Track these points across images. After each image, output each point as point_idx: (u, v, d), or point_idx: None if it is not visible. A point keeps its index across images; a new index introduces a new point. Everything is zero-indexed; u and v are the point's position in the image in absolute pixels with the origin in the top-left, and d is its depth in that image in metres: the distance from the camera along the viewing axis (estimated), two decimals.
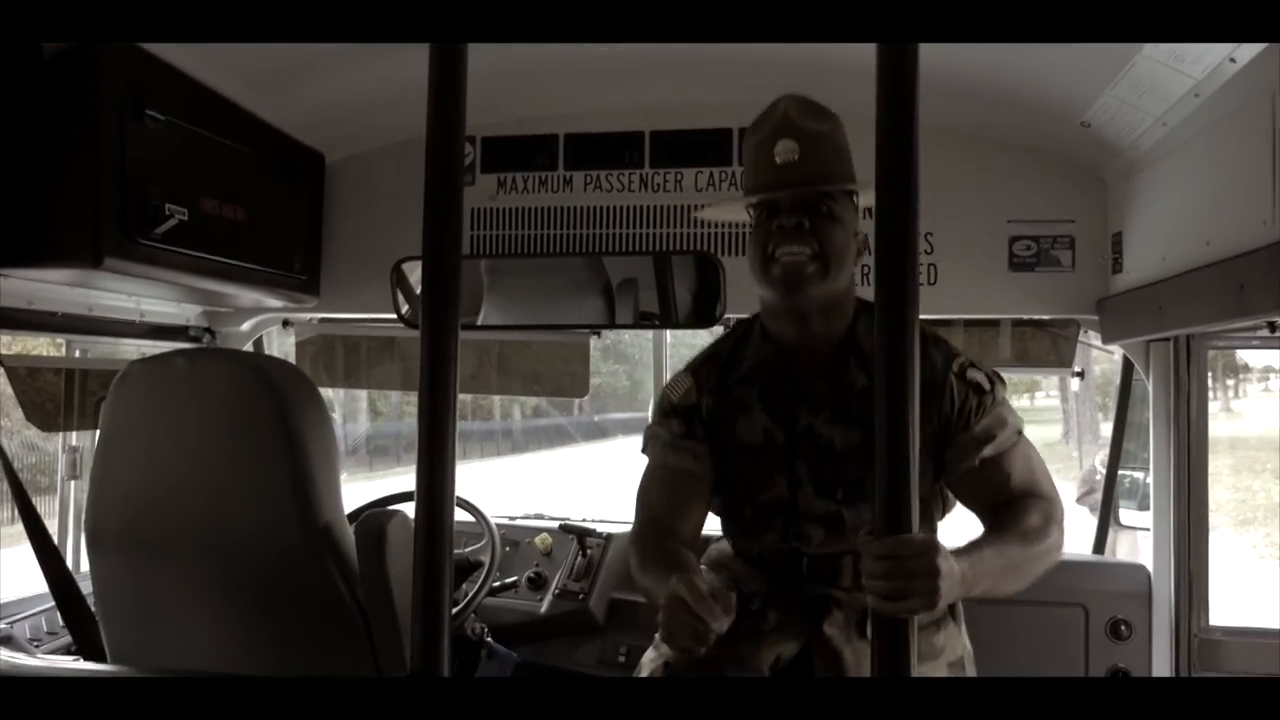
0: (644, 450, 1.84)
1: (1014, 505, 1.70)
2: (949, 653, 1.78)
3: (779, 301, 1.70)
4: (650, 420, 1.86)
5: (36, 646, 2.35)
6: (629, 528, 1.95)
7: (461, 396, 0.93)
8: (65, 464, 2.83)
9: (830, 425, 1.70)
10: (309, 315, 3.15)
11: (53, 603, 2.01)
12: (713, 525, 1.91)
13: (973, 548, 1.53)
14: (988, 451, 1.72)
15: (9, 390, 2.74)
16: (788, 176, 1.65)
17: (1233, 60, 1.79)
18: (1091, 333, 2.86)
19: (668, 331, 3.11)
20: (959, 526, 1.80)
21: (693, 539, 1.77)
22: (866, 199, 1.76)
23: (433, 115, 0.81)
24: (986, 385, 1.75)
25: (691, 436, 1.77)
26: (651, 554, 1.67)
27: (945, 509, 1.83)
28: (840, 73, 2.15)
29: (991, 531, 1.64)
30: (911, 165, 0.73)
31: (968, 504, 1.80)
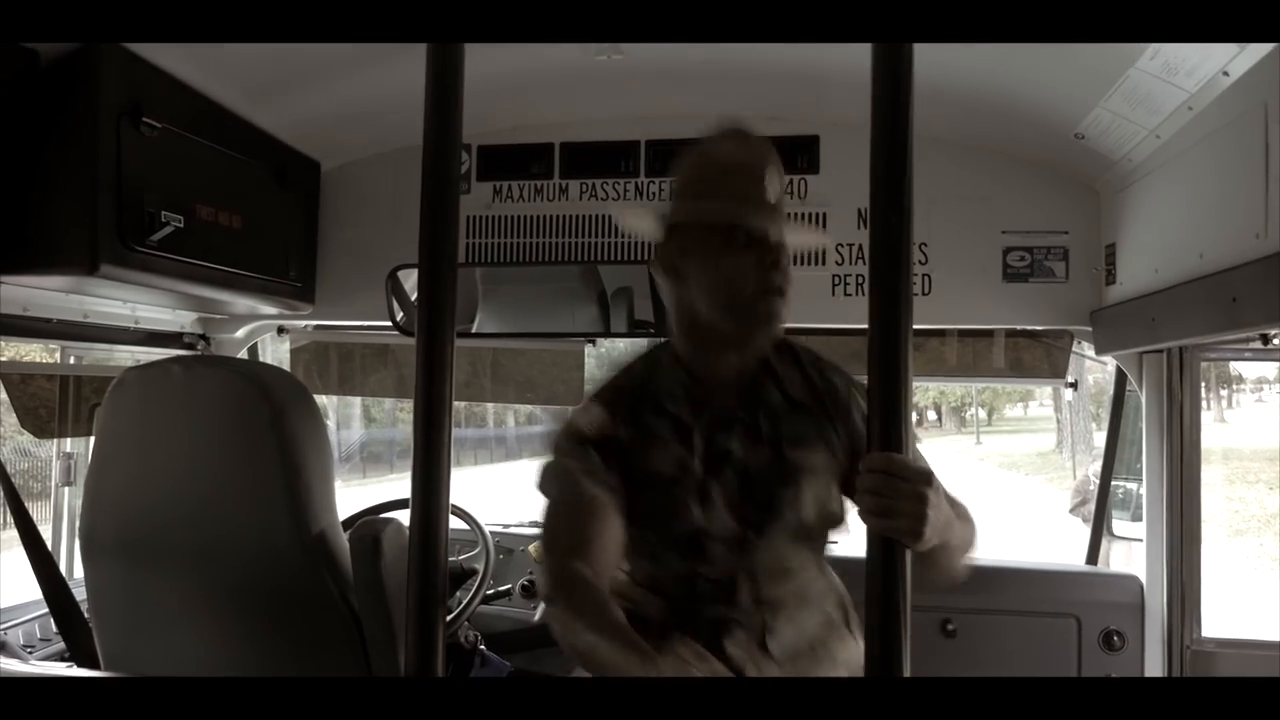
0: (542, 486, 1.71)
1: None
2: (850, 663, 1.77)
3: (736, 332, 1.66)
4: (552, 452, 1.73)
5: (30, 653, 2.35)
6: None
7: (456, 403, 0.92)
8: (59, 470, 2.83)
9: (744, 445, 1.68)
10: (304, 322, 3.15)
11: (47, 609, 2.01)
12: None
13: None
14: None
15: (3, 396, 2.74)
16: (772, 213, 1.62)
17: (1226, 74, 1.80)
18: (1085, 343, 2.87)
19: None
20: None
21: (608, 570, 1.68)
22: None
23: (430, 117, 0.81)
24: None
25: (608, 468, 1.68)
26: (588, 610, 1.53)
27: (842, 525, 1.80)
28: (832, 82, 2.17)
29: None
30: (906, 165, 0.74)
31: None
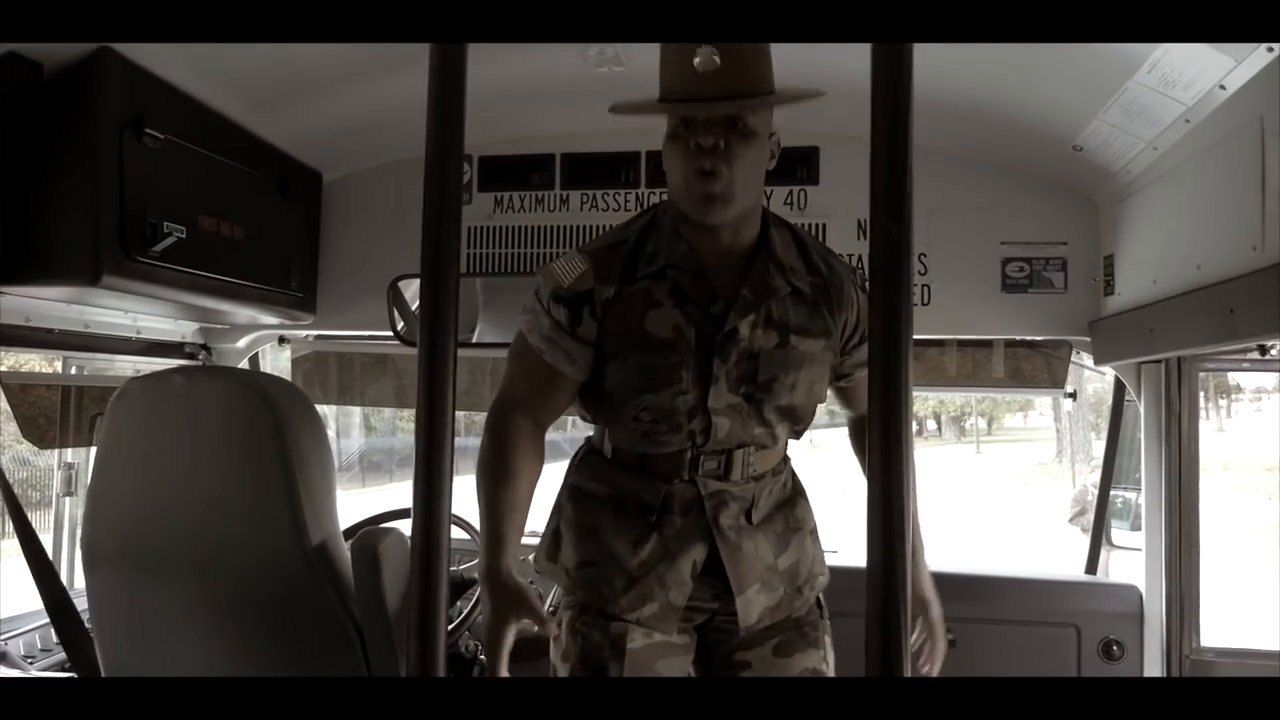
0: (522, 320, 1.78)
1: None
2: (804, 521, 1.89)
3: (693, 218, 1.68)
4: (536, 292, 1.75)
5: (31, 663, 2.35)
6: None
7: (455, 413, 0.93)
8: (61, 480, 2.83)
9: (752, 328, 1.70)
10: (305, 332, 3.16)
11: (47, 619, 2.01)
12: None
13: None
14: None
15: (4, 406, 2.75)
16: (708, 88, 1.58)
17: (1223, 87, 1.81)
18: (1084, 354, 2.88)
19: None
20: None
21: (550, 422, 1.82)
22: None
23: (433, 121, 0.81)
24: None
25: (574, 330, 1.71)
26: (500, 471, 1.73)
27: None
28: (832, 94, 2.17)
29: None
30: (906, 171, 0.74)
31: (849, 403, 1.99)
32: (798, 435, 1.85)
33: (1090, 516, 3.14)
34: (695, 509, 1.77)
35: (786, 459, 1.90)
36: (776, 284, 1.72)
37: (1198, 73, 1.84)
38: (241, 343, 3.09)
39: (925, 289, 2.78)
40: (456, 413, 0.86)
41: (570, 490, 1.88)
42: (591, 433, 1.91)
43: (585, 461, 1.88)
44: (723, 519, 1.77)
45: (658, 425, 1.73)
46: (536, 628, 1.67)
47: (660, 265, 1.71)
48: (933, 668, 1.85)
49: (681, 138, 1.64)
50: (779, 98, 1.65)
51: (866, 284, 1.81)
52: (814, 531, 1.91)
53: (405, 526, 1.90)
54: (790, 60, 1.65)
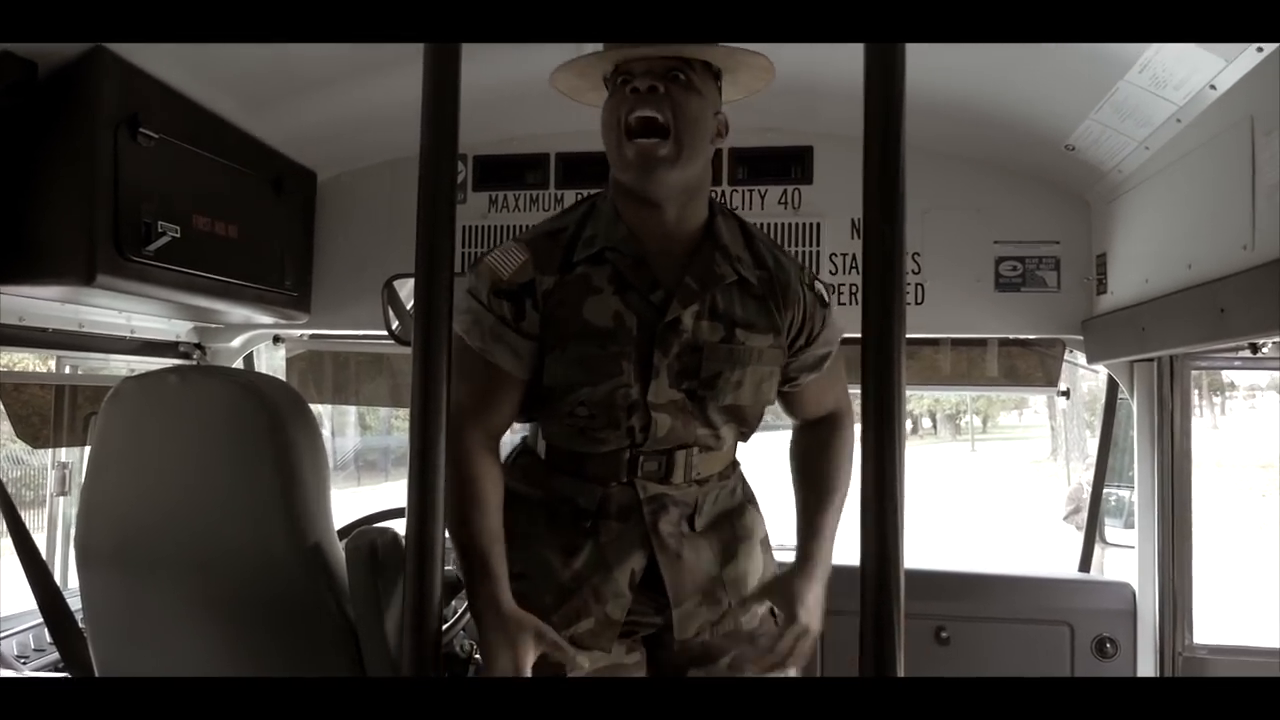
0: (458, 322, 1.62)
1: (822, 438, 1.82)
2: (752, 531, 1.80)
3: (632, 185, 1.61)
4: (471, 291, 1.64)
5: (24, 663, 2.34)
6: None
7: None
8: (54, 480, 2.83)
9: (696, 320, 1.62)
10: (299, 331, 3.16)
11: (41, 619, 2.00)
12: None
13: (814, 539, 1.72)
14: (828, 363, 1.77)
15: None
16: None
17: (1213, 87, 1.82)
18: (1077, 352, 2.89)
19: None
20: None
21: (503, 430, 1.69)
22: (731, 89, 1.67)
23: (427, 121, 0.82)
24: (826, 297, 1.76)
25: (517, 324, 1.62)
26: (469, 497, 1.57)
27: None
28: (826, 94, 2.19)
29: (820, 494, 1.76)
30: (899, 173, 0.74)
31: (792, 410, 1.85)
32: (745, 438, 1.77)
33: (1084, 514, 3.15)
34: (634, 514, 1.67)
35: (736, 464, 1.81)
36: (722, 271, 1.63)
37: (1188, 72, 1.85)
38: (236, 342, 3.09)
39: (919, 288, 2.78)
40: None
41: None
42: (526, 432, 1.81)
43: (517, 463, 1.78)
44: (662, 525, 1.67)
45: (594, 421, 1.63)
46: (557, 657, 1.52)
47: (599, 248, 1.63)
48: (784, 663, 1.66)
49: (618, 92, 1.58)
50: (723, 49, 1.58)
51: (817, 283, 1.78)
52: (765, 540, 1.81)
53: (400, 526, 1.90)
54: (784, 60, 1.65)
